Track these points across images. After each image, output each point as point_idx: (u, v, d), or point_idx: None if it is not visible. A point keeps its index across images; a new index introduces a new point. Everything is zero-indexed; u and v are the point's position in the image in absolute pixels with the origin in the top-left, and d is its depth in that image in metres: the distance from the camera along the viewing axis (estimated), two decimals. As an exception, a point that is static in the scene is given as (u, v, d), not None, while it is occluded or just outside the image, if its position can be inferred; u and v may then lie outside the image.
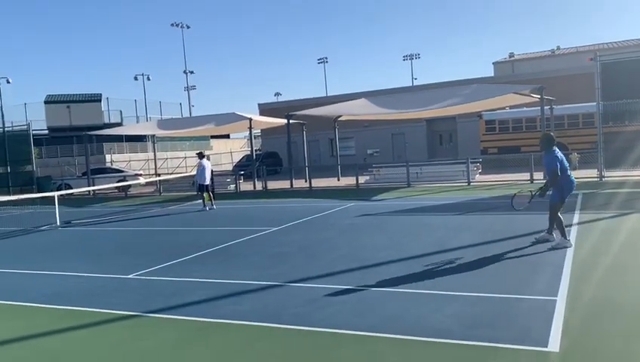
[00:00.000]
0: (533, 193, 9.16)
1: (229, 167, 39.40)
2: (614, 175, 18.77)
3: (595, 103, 19.11)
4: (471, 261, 8.11)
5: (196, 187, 17.98)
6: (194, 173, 19.94)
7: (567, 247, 8.40)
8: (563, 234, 8.64)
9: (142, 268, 8.93)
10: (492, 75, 46.20)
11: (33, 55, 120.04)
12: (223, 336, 5.57)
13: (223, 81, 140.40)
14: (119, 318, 6.35)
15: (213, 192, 18.52)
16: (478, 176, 22.91)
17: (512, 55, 54.08)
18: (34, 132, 30.17)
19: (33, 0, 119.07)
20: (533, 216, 12.02)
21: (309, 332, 5.46)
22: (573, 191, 8.96)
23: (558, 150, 8.70)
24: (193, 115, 53.54)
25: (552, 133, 9.22)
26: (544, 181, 9.12)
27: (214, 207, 17.62)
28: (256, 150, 36.03)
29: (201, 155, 18.22)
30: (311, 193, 21.99)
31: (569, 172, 8.73)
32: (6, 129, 30.33)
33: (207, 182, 17.82)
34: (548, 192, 8.81)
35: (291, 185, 24.88)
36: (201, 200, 17.93)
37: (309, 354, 4.94)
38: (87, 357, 5.23)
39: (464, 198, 16.68)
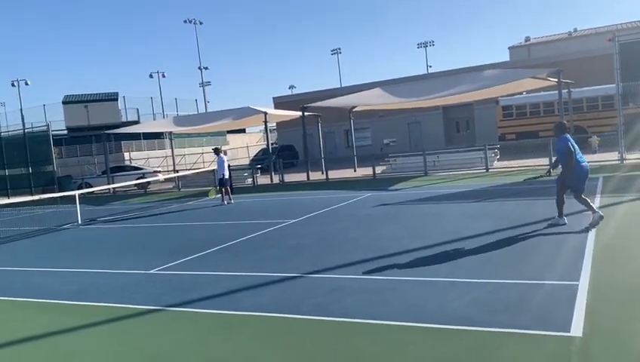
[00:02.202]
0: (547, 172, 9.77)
1: (246, 161, 39.54)
2: (635, 157, 18.45)
3: (614, 85, 18.78)
4: (490, 248, 8.07)
5: (217, 182, 18.10)
6: (212, 168, 20.07)
7: (560, 225, 8.97)
8: (559, 214, 9.14)
9: (163, 263, 9.03)
10: (508, 59, 45.58)
11: (50, 56, 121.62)
12: (243, 329, 5.62)
13: (237, 76, 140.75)
14: (142, 313, 6.44)
15: (231, 187, 18.64)
16: (496, 162, 22.70)
17: (527, 39, 53.25)
18: (53, 132, 30.54)
19: (49, 2, 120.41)
20: (553, 200, 11.89)
21: (330, 323, 5.48)
22: (591, 175, 9.21)
23: (569, 136, 9.02)
24: (209, 110, 53.77)
25: (563, 121, 9.76)
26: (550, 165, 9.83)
27: (232, 201, 17.72)
28: (272, 143, 36.08)
29: (217, 151, 18.31)
30: (328, 185, 21.99)
31: (580, 157, 8.88)
32: (26, 130, 30.79)
33: (227, 175, 17.94)
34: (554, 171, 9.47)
35: (308, 177, 24.89)
36: (219, 196, 18.07)
37: (330, 344, 4.96)
38: (110, 352, 5.32)
39: (482, 185, 16.55)
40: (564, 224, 9.00)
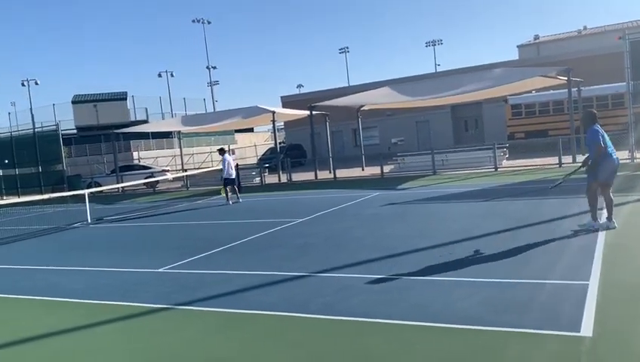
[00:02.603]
0: (568, 174, 9.06)
1: (254, 161, 39.62)
2: (646, 156, 18.29)
3: (624, 83, 18.63)
4: (499, 247, 8.02)
5: (222, 181, 18.07)
6: (220, 167, 20.09)
7: (596, 230, 8.15)
8: (593, 216, 8.44)
9: (171, 262, 9.06)
10: (517, 58, 45.33)
11: (59, 56, 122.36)
12: (251, 327, 5.62)
13: (245, 75, 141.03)
14: (150, 311, 6.46)
15: (239, 186, 18.67)
16: (505, 161, 22.59)
17: (537, 37, 52.92)
18: (63, 132, 30.72)
19: (59, 2, 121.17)
20: (563, 200, 11.82)
21: (337, 322, 5.47)
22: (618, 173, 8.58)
23: (599, 127, 8.34)
24: (217, 110, 53.90)
25: (592, 110, 8.77)
26: (581, 162, 8.85)
27: (240, 200, 17.73)
28: (280, 143, 36.12)
29: (222, 151, 18.25)
30: (335, 184, 21.98)
31: (611, 150, 8.29)
32: (36, 130, 31.01)
33: (233, 176, 17.95)
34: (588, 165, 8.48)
35: (316, 176, 24.90)
36: (224, 195, 18.02)
37: (338, 343, 4.96)
38: (119, 350, 5.34)
39: (491, 184, 16.47)
40: (597, 230, 8.23)
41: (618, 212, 9.46)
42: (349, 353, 4.70)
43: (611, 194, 8.36)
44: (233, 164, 18.03)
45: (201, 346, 5.21)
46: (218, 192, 19.66)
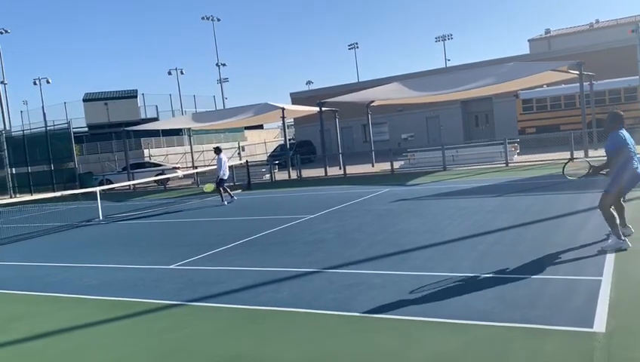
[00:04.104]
0: (589, 170, 7.51)
1: (264, 158, 39.70)
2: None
3: (637, 77, 18.43)
4: (511, 243, 7.98)
5: (217, 181, 17.67)
6: (229, 164, 20.00)
7: (622, 249, 6.84)
8: (616, 234, 7.00)
9: (183, 259, 9.11)
10: (528, 52, 44.99)
11: (70, 55, 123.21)
12: (263, 323, 5.64)
13: (254, 72, 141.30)
14: (162, 307, 6.50)
15: (249, 183, 18.49)
16: (516, 156, 22.44)
17: (548, 31, 52.52)
18: (74, 130, 30.99)
19: (68, 1, 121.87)
20: (576, 195, 11.73)
21: (349, 318, 5.48)
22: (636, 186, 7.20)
23: (624, 131, 7.03)
24: (227, 107, 54.02)
25: (618, 112, 7.29)
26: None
27: (234, 198, 17.52)
28: (289, 139, 36.14)
29: (218, 150, 18.05)
30: (345, 180, 21.96)
31: (635, 162, 6.93)
32: (48, 128, 31.28)
33: (226, 176, 17.76)
34: (602, 173, 7.34)
35: (325, 172, 24.88)
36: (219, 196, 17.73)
37: (349, 339, 4.96)
38: (131, 346, 5.39)
39: (502, 180, 16.38)
40: (626, 247, 6.89)
41: (634, 208, 9.32)
42: (361, 349, 4.70)
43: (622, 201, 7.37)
44: (228, 164, 17.90)
45: (212, 342, 5.23)
46: (210, 189, 18.98)
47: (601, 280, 5.75)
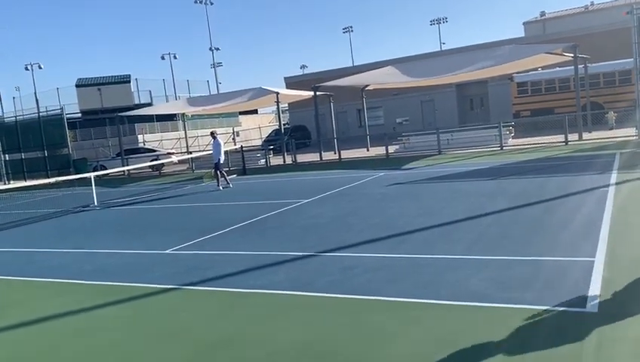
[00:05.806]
0: None
1: (259, 143, 39.58)
2: (654, 133, 18.12)
3: (632, 59, 18.39)
4: (505, 225, 8.03)
5: (214, 165, 17.64)
6: (225, 149, 19.93)
7: None
8: None
9: (178, 243, 9.12)
10: (522, 35, 44.80)
11: (62, 40, 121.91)
12: (259, 305, 5.67)
13: (248, 57, 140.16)
14: (158, 291, 6.52)
15: (244, 169, 18.49)
16: (510, 140, 22.47)
17: (542, 14, 52.20)
18: (67, 115, 30.77)
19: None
20: (569, 177, 11.79)
21: (345, 300, 5.51)
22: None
23: None
24: (221, 91, 53.70)
25: None
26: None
27: (230, 185, 17.52)
28: (284, 124, 36.03)
29: (213, 135, 17.96)
30: (341, 164, 21.96)
31: None
32: (41, 114, 31.04)
33: (222, 160, 17.70)
34: None
35: (321, 157, 24.86)
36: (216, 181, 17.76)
37: (345, 320, 4.99)
38: (127, 330, 5.41)
39: (497, 163, 16.42)
40: None
41: (628, 189, 9.41)
42: (357, 330, 4.74)
43: None
44: (222, 149, 17.84)
45: (208, 325, 5.26)
46: (210, 177, 19.02)
47: (594, 261, 5.80)
